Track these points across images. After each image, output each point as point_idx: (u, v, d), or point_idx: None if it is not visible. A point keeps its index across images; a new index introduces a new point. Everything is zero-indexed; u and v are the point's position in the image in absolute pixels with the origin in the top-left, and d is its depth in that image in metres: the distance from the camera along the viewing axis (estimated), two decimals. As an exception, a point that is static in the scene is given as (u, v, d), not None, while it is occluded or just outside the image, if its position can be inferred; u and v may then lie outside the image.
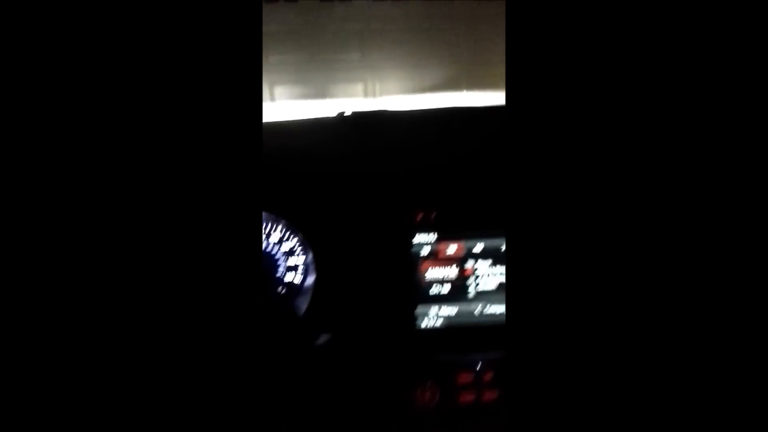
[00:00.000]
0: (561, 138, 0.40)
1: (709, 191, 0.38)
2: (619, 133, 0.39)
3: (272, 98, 2.30)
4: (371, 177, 0.74)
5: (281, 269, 0.76)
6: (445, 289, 0.73)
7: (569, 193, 0.40)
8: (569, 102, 0.40)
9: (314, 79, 2.27)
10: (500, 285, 0.73)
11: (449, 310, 0.73)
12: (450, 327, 0.73)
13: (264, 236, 0.76)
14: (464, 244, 0.73)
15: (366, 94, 2.28)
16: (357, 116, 0.85)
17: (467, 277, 0.73)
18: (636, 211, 0.39)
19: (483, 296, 0.73)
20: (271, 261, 0.76)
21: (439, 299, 0.73)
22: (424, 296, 0.73)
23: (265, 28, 2.43)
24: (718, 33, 0.39)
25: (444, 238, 0.73)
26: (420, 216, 0.73)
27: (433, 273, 0.73)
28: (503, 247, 0.72)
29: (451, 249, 0.73)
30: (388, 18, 2.63)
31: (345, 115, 0.87)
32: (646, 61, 0.40)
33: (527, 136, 0.41)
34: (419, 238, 0.73)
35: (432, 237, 0.73)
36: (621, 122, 0.40)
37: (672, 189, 0.39)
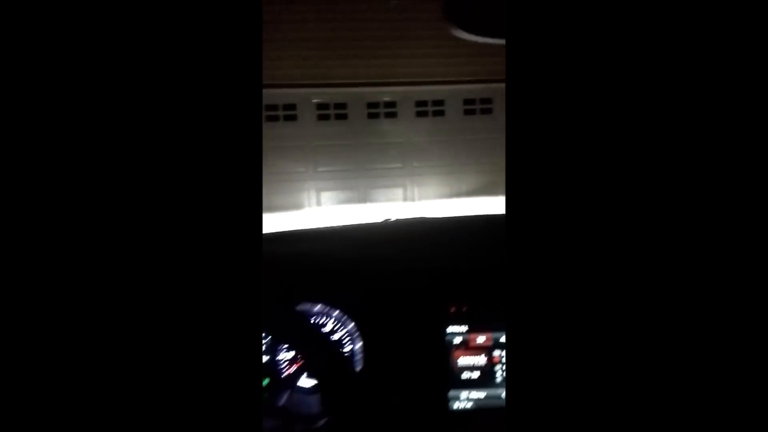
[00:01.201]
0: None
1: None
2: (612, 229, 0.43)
3: (318, 203, 2.53)
4: (411, 274, 0.87)
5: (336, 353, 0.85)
6: (475, 374, 0.82)
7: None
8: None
9: (358, 185, 2.52)
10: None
11: (478, 394, 0.82)
12: (479, 409, 0.81)
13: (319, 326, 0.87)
14: (492, 335, 0.83)
15: (405, 199, 2.48)
16: (399, 222, 0.99)
17: (495, 365, 0.83)
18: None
19: (509, 382, 0.82)
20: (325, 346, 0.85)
21: (470, 384, 0.82)
22: (456, 381, 0.82)
23: (316, 142, 2.74)
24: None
25: (474, 329, 0.83)
26: (453, 309, 0.84)
27: (464, 360, 0.83)
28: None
29: (481, 339, 0.83)
30: (428, 131, 2.91)
31: (389, 221, 1.01)
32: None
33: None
34: (452, 328, 0.84)
35: (463, 328, 0.84)
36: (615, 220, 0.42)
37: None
